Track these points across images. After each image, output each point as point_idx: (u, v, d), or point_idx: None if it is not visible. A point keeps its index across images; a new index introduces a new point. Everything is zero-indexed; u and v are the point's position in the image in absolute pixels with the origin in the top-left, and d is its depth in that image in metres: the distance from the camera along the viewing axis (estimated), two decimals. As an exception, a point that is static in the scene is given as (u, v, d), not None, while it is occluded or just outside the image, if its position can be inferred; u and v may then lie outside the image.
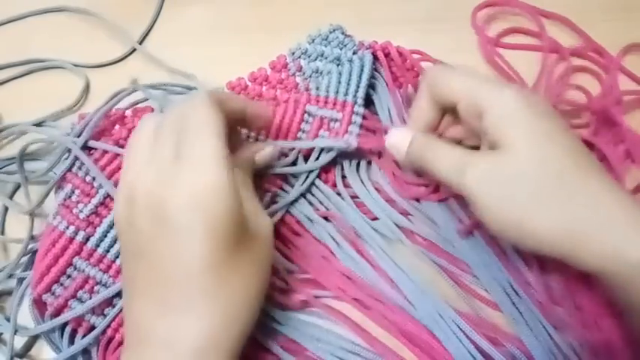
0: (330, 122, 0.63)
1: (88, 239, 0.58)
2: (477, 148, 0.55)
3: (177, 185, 0.43)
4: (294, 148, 0.61)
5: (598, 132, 0.64)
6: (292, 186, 0.62)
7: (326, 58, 0.67)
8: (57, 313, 0.57)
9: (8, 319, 0.59)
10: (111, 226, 0.58)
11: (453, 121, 0.57)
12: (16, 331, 0.58)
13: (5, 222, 0.66)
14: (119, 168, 0.60)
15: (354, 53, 0.66)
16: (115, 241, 0.58)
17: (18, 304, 0.59)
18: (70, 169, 0.61)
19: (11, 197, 0.66)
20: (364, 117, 0.64)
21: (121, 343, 0.56)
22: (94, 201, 0.59)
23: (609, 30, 0.71)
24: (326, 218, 0.61)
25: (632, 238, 0.44)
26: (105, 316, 0.56)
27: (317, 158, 0.61)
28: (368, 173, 0.64)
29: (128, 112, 0.65)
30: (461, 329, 0.54)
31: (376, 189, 0.63)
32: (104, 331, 0.56)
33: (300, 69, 0.67)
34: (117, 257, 0.58)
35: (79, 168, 0.60)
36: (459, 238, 0.59)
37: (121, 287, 0.53)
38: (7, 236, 0.65)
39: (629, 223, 0.45)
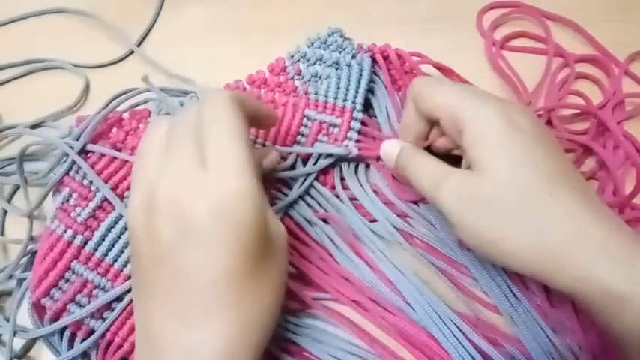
0: (330, 127, 0.63)
1: (86, 243, 0.58)
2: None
3: (202, 191, 0.42)
4: (291, 152, 0.61)
5: (598, 137, 0.64)
6: (291, 189, 0.62)
7: (325, 62, 0.66)
8: (56, 316, 0.57)
9: (7, 320, 0.59)
10: (109, 230, 0.58)
11: (441, 131, 0.57)
12: (15, 333, 0.58)
13: (5, 222, 0.66)
14: (116, 171, 0.60)
15: (353, 57, 0.66)
16: (113, 244, 0.58)
17: (17, 305, 0.59)
18: (67, 173, 0.61)
19: (11, 198, 0.66)
20: (363, 122, 0.64)
21: (120, 346, 0.56)
22: (92, 205, 0.59)
23: (609, 31, 0.71)
24: (325, 221, 0.61)
25: (603, 261, 0.44)
26: (104, 319, 0.56)
27: (315, 162, 0.62)
28: (366, 176, 0.64)
29: (126, 115, 0.65)
30: (460, 330, 0.55)
31: (374, 191, 0.63)
32: (103, 335, 0.56)
33: (298, 72, 0.67)
34: (115, 261, 0.58)
35: (77, 172, 0.60)
36: (457, 240, 0.59)
37: (132, 294, 0.52)
38: (6, 237, 0.65)
39: (604, 247, 0.44)
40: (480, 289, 0.58)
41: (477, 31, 0.74)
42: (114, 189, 0.60)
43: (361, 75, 0.64)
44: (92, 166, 0.60)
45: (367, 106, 0.66)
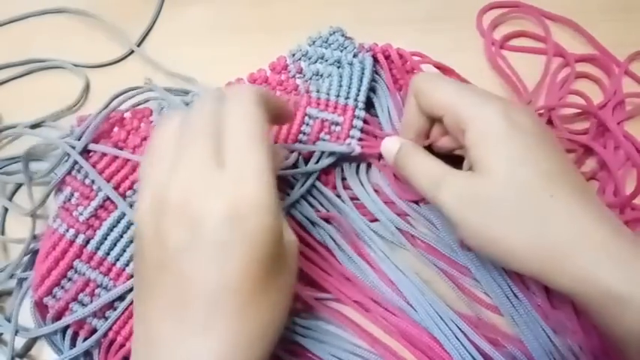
0: (331, 126, 0.63)
1: (88, 242, 0.58)
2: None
3: (216, 194, 0.40)
4: (294, 150, 0.62)
5: (598, 137, 0.64)
6: (292, 188, 0.61)
7: (326, 60, 0.67)
8: (58, 315, 0.57)
9: (8, 320, 0.59)
10: (111, 229, 0.58)
11: (444, 130, 0.56)
12: (17, 332, 0.58)
13: (5, 222, 0.66)
14: (118, 170, 0.60)
15: (355, 56, 0.66)
16: (115, 243, 0.58)
17: (19, 304, 0.59)
18: (69, 172, 0.61)
19: (11, 198, 0.66)
20: (365, 120, 0.63)
21: (122, 346, 0.56)
22: (94, 204, 0.59)
23: (609, 31, 0.71)
24: (327, 220, 0.61)
25: (603, 262, 0.44)
26: (106, 318, 0.56)
27: (317, 161, 0.61)
28: (368, 175, 0.64)
29: (127, 114, 0.65)
30: (461, 330, 0.55)
31: (376, 191, 0.63)
32: (106, 334, 0.56)
33: (300, 71, 0.67)
34: (117, 260, 0.58)
35: (78, 171, 0.60)
36: (458, 241, 0.59)
37: (133, 294, 0.52)
38: (7, 236, 0.65)
39: (603, 248, 0.45)
40: (481, 289, 0.58)
41: (477, 31, 0.74)
42: (116, 188, 0.60)
43: (363, 73, 0.64)
44: (94, 166, 0.60)
45: (369, 106, 0.66)
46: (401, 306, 0.57)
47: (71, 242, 0.58)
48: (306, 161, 0.62)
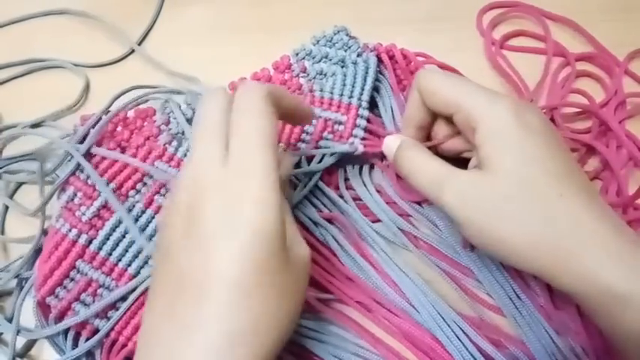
0: (335, 125, 0.63)
1: (90, 242, 0.58)
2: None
3: (219, 190, 0.42)
4: (298, 149, 0.62)
5: (600, 136, 0.64)
6: (295, 188, 0.61)
7: (330, 59, 0.66)
8: (61, 315, 0.56)
9: (8, 320, 0.59)
10: (113, 229, 0.58)
11: (453, 131, 0.56)
12: (18, 332, 0.58)
13: (5, 222, 0.66)
14: (120, 170, 0.60)
15: (359, 55, 0.66)
16: (117, 244, 0.58)
17: (20, 304, 0.59)
18: (73, 173, 0.60)
19: (11, 197, 0.66)
20: (368, 120, 0.63)
21: (124, 346, 0.56)
22: (97, 204, 0.59)
23: (609, 31, 0.71)
24: (329, 221, 0.61)
25: (604, 262, 0.44)
26: (108, 318, 0.56)
27: (320, 161, 0.61)
28: (370, 176, 0.64)
29: (131, 113, 0.65)
30: (464, 332, 0.55)
31: (378, 192, 0.62)
32: (108, 334, 0.56)
33: (304, 70, 0.67)
34: (119, 260, 0.58)
35: (82, 171, 0.60)
36: (461, 242, 0.59)
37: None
38: (7, 236, 0.65)
39: (606, 247, 0.45)
40: (484, 290, 0.58)
41: (477, 31, 0.74)
42: (118, 188, 0.60)
43: (367, 73, 0.64)
44: (96, 166, 0.60)
45: (372, 106, 0.65)
46: (403, 307, 0.57)
47: (74, 242, 0.58)
48: (309, 161, 0.62)
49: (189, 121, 0.63)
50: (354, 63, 0.65)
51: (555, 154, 0.48)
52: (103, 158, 0.61)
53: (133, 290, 0.56)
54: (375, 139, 0.63)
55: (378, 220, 0.61)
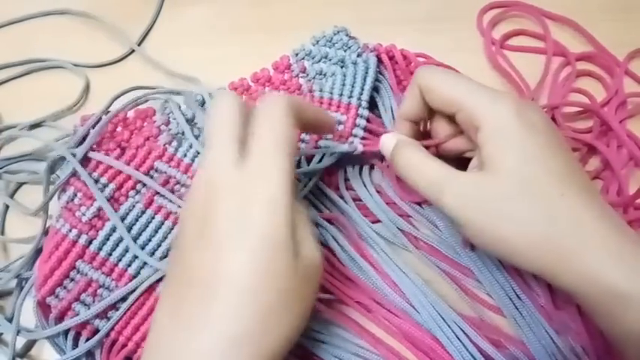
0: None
1: (90, 242, 0.58)
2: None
3: (232, 192, 0.43)
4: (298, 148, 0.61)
5: (601, 136, 0.64)
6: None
7: (330, 59, 0.66)
8: (61, 315, 0.56)
9: (8, 320, 0.59)
10: (113, 230, 0.58)
11: (455, 131, 0.56)
12: (18, 332, 0.58)
13: (5, 222, 0.66)
14: (120, 171, 0.60)
15: (359, 56, 0.66)
16: (117, 244, 0.58)
17: (20, 304, 0.59)
18: (73, 174, 0.60)
19: (12, 197, 0.66)
20: (368, 120, 0.63)
21: (124, 346, 0.56)
22: (97, 204, 0.59)
23: (609, 30, 0.71)
24: (329, 221, 0.61)
25: (606, 261, 0.44)
26: (108, 319, 0.56)
27: (320, 160, 0.61)
28: (370, 177, 0.64)
29: (130, 114, 0.65)
30: (464, 332, 0.55)
31: (378, 192, 0.62)
32: (108, 334, 0.56)
33: (303, 70, 0.67)
34: (119, 260, 0.58)
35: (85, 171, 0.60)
36: (461, 241, 0.59)
37: None
38: (7, 236, 0.65)
39: (608, 247, 0.45)
40: (484, 291, 0.58)
41: (477, 31, 0.74)
42: (118, 188, 0.60)
43: (367, 73, 0.64)
44: (97, 165, 0.60)
45: (372, 106, 0.65)
46: (403, 307, 0.57)
47: (74, 242, 0.58)
48: (309, 161, 0.61)
49: (189, 121, 0.63)
50: (354, 63, 0.65)
51: (557, 153, 0.48)
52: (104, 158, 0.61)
53: (133, 291, 0.56)
54: (375, 139, 0.62)
55: (378, 221, 0.61)
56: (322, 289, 0.58)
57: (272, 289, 0.42)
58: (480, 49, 0.73)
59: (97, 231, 0.58)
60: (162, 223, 0.59)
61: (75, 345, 0.57)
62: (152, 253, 0.58)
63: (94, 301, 0.57)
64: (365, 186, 0.62)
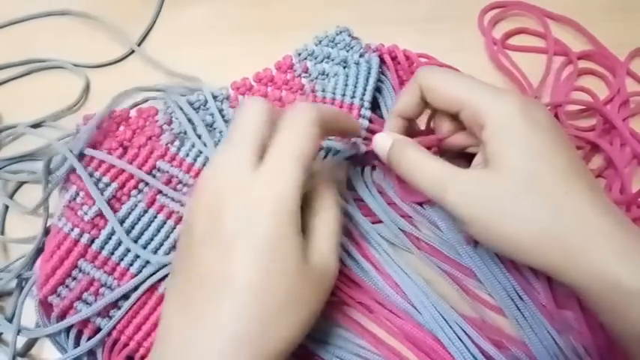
0: (337, 125, 0.62)
1: (92, 241, 0.58)
2: (465, 153, 0.56)
3: (243, 194, 0.43)
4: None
5: (604, 134, 0.64)
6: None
7: (332, 60, 0.66)
8: (62, 314, 0.56)
9: (8, 320, 0.59)
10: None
11: (456, 127, 0.56)
12: (19, 332, 0.58)
13: (5, 222, 0.66)
14: (123, 170, 0.60)
15: (361, 56, 0.66)
16: (119, 243, 0.58)
17: (22, 304, 0.59)
18: (72, 172, 0.60)
19: (12, 197, 0.66)
20: (370, 120, 0.63)
21: (126, 345, 0.56)
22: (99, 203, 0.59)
23: (609, 30, 0.71)
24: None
25: (612, 257, 0.44)
26: (110, 317, 0.56)
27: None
28: (372, 177, 0.63)
29: (133, 113, 0.64)
30: (465, 333, 0.55)
31: (380, 193, 0.62)
32: (110, 333, 0.56)
33: (306, 70, 0.67)
34: (121, 260, 0.58)
35: (84, 169, 0.60)
36: (462, 242, 0.58)
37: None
38: (7, 236, 0.65)
39: (610, 244, 0.45)
40: (486, 291, 0.58)
41: (477, 31, 0.74)
42: (121, 187, 0.60)
43: (369, 73, 0.64)
44: (99, 164, 0.60)
45: (374, 107, 0.65)
46: (405, 308, 0.56)
47: (76, 241, 0.57)
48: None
49: (191, 121, 0.63)
50: (357, 63, 0.65)
51: (561, 150, 0.48)
52: (106, 157, 0.60)
53: (135, 289, 0.57)
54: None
55: (380, 221, 0.61)
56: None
57: (277, 291, 0.43)
58: (480, 49, 0.73)
59: (99, 230, 0.58)
60: (165, 222, 0.59)
61: (76, 344, 0.57)
62: (154, 253, 0.58)
63: (95, 300, 0.57)
64: (366, 186, 0.62)
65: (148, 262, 0.57)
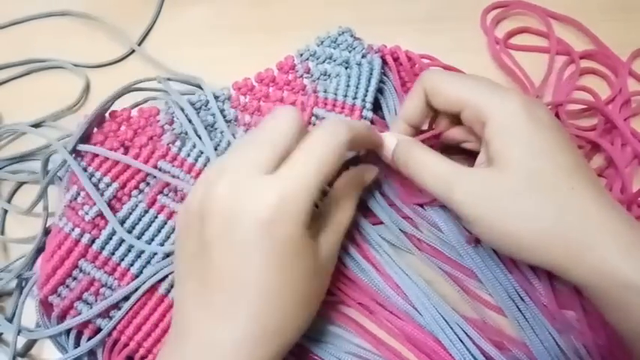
0: (339, 125, 0.62)
1: (93, 241, 0.58)
2: (472, 151, 0.56)
3: (257, 199, 0.43)
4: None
5: (605, 134, 0.64)
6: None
7: (334, 60, 0.66)
8: (63, 314, 0.56)
9: (8, 320, 0.59)
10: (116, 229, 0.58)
11: (452, 121, 0.57)
12: (19, 332, 0.58)
13: (5, 222, 0.66)
14: (124, 170, 0.60)
15: (363, 57, 0.65)
16: (119, 243, 0.58)
17: (22, 304, 0.59)
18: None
19: (12, 197, 0.67)
20: (372, 122, 0.63)
21: (126, 345, 0.56)
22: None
23: (608, 30, 0.71)
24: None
25: (620, 254, 0.44)
26: (111, 318, 0.56)
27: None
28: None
29: (134, 113, 0.64)
30: (466, 334, 0.55)
31: (381, 194, 0.62)
32: (110, 333, 0.56)
33: (308, 71, 0.67)
34: (122, 260, 0.58)
35: (85, 169, 0.60)
36: (463, 243, 0.58)
37: (174, 275, 0.52)
38: (7, 236, 0.65)
39: (616, 240, 0.45)
40: (487, 292, 0.58)
41: (478, 31, 0.74)
42: (122, 187, 0.60)
43: (371, 74, 0.64)
44: (100, 165, 0.60)
45: (376, 108, 0.65)
46: (406, 309, 0.56)
47: (76, 241, 0.57)
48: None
49: (192, 121, 0.63)
50: (359, 64, 0.64)
51: (564, 148, 0.49)
52: (106, 158, 0.60)
53: (136, 290, 0.57)
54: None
55: (381, 222, 0.61)
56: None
57: (295, 292, 0.46)
58: (481, 49, 0.73)
59: (100, 230, 0.58)
60: (165, 223, 0.59)
61: (77, 344, 0.57)
62: (155, 253, 0.58)
63: (96, 300, 0.57)
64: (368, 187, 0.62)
65: (148, 262, 0.58)
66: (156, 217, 0.59)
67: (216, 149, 0.62)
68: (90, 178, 0.59)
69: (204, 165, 0.61)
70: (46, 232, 0.61)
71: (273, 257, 0.44)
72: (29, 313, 0.58)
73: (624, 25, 0.72)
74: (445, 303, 0.56)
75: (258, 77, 0.67)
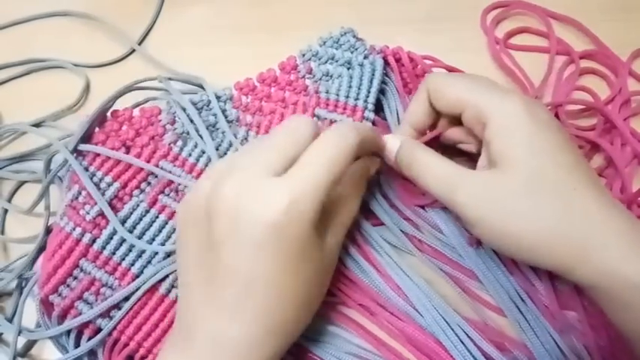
0: (341, 126, 0.62)
1: (94, 241, 0.58)
2: (471, 153, 0.56)
3: (265, 201, 0.44)
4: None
5: (605, 133, 0.64)
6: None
7: (337, 61, 0.66)
8: (64, 313, 0.56)
9: (8, 320, 0.59)
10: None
11: (451, 122, 0.57)
12: (20, 332, 0.58)
13: (5, 222, 0.66)
14: (125, 169, 0.60)
15: (365, 57, 0.65)
16: (120, 243, 0.58)
17: (22, 304, 0.59)
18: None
19: (12, 196, 0.67)
20: (373, 123, 0.63)
21: (126, 345, 0.56)
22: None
23: (608, 30, 0.71)
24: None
25: (619, 254, 0.44)
26: (111, 318, 0.56)
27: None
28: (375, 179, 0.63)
29: (136, 112, 0.64)
30: (467, 335, 0.54)
31: (382, 195, 0.62)
32: (110, 333, 0.56)
33: (310, 71, 0.66)
34: (122, 259, 0.58)
35: (86, 169, 0.60)
36: (464, 244, 0.58)
37: (177, 271, 0.52)
38: (7, 236, 0.65)
39: (618, 239, 0.45)
40: (487, 293, 0.58)
41: (477, 31, 0.74)
42: (123, 187, 0.60)
43: (373, 75, 0.64)
44: (101, 164, 0.60)
45: (378, 109, 0.65)
46: (407, 311, 0.56)
47: (77, 241, 0.57)
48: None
49: (193, 121, 0.63)
50: (361, 65, 0.64)
51: (565, 148, 0.49)
52: (107, 157, 0.60)
53: (136, 290, 0.56)
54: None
55: (382, 224, 0.61)
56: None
57: (303, 291, 0.47)
58: (480, 49, 0.73)
59: (101, 229, 0.58)
60: (167, 223, 0.59)
61: (77, 344, 0.57)
62: (155, 253, 0.58)
63: (96, 300, 0.57)
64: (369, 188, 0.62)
65: (149, 262, 0.58)
66: (157, 216, 0.59)
67: (217, 149, 0.62)
68: (91, 178, 0.59)
69: (206, 165, 0.61)
70: (48, 231, 0.61)
71: (282, 257, 0.44)
72: (29, 313, 0.58)
73: (624, 25, 0.72)
74: (446, 304, 0.56)
75: (260, 77, 0.67)
